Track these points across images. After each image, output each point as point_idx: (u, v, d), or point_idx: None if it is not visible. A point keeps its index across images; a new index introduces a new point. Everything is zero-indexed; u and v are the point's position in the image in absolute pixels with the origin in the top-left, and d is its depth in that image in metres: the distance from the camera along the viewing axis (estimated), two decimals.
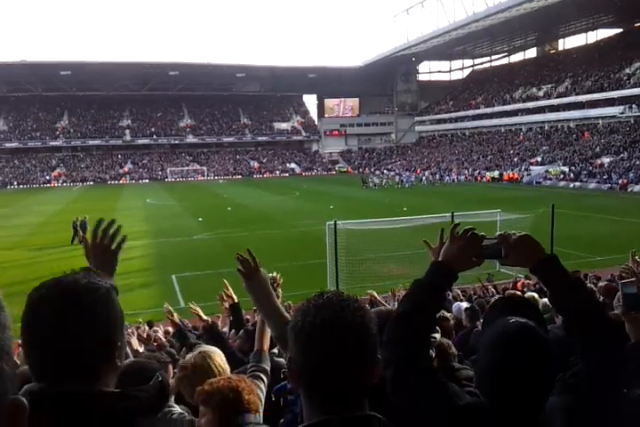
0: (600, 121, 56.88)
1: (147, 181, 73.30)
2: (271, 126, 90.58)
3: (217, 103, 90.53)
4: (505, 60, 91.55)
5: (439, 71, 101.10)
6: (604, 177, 46.59)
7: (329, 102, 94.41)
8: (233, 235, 24.93)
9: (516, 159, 59.76)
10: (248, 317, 7.67)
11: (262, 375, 2.70)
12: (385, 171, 72.55)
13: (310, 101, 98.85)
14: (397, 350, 1.57)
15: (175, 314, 5.26)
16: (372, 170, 76.16)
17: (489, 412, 1.46)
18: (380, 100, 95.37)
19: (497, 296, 7.18)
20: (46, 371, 1.16)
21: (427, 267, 1.74)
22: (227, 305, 4.66)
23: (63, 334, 1.14)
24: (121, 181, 72.75)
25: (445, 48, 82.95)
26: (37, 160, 76.88)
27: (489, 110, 73.79)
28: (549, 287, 1.75)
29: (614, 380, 1.61)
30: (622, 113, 53.29)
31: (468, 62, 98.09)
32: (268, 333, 2.89)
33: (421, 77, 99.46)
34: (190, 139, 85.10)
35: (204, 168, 78.30)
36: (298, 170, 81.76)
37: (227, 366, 2.67)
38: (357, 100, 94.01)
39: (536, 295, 6.17)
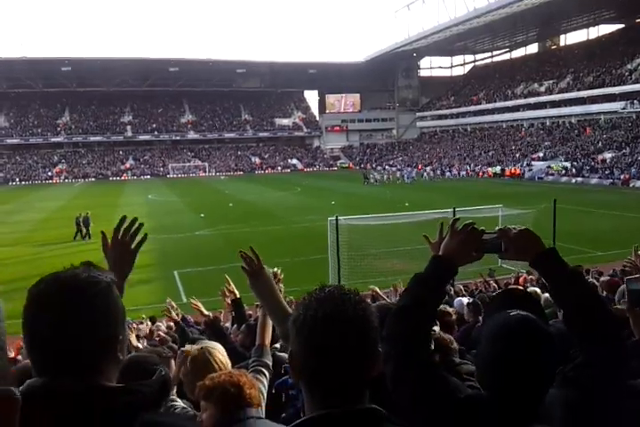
0: (602, 116, 56.78)
1: (148, 177, 73.21)
2: (272, 122, 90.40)
3: (218, 99, 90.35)
4: (506, 56, 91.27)
5: (440, 67, 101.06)
6: (606, 172, 46.46)
7: (330, 98, 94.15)
8: (235, 231, 24.95)
9: (517, 155, 59.62)
10: (250, 312, 7.68)
11: (264, 370, 2.70)
12: (386, 167, 72.51)
13: (311, 97, 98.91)
14: (397, 344, 1.57)
15: (178, 310, 5.27)
16: (374, 166, 76.06)
17: (489, 404, 1.46)
18: (382, 95, 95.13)
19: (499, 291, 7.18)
20: (47, 366, 1.16)
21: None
22: (229, 300, 4.67)
23: (64, 329, 1.14)
24: (122, 178, 72.59)
25: (446, 44, 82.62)
26: (39, 156, 76.88)
27: (490, 106, 73.64)
28: (549, 280, 1.75)
29: (615, 374, 1.61)
30: (624, 109, 53.21)
31: (470, 58, 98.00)
32: (270, 327, 2.89)
33: (423, 73, 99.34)
34: (191, 135, 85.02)
35: (206, 164, 78.11)
36: (299, 166, 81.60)
37: (228, 362, 2.67)
38: (358, 95, 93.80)
39: (538, 290, 6.16)
